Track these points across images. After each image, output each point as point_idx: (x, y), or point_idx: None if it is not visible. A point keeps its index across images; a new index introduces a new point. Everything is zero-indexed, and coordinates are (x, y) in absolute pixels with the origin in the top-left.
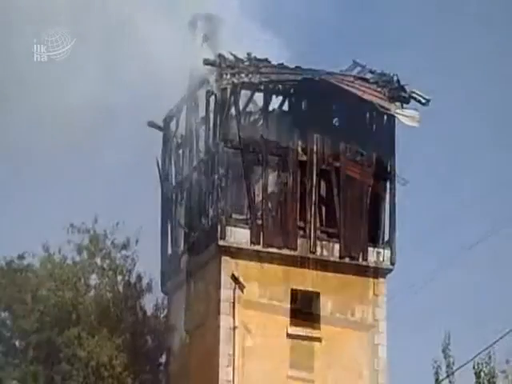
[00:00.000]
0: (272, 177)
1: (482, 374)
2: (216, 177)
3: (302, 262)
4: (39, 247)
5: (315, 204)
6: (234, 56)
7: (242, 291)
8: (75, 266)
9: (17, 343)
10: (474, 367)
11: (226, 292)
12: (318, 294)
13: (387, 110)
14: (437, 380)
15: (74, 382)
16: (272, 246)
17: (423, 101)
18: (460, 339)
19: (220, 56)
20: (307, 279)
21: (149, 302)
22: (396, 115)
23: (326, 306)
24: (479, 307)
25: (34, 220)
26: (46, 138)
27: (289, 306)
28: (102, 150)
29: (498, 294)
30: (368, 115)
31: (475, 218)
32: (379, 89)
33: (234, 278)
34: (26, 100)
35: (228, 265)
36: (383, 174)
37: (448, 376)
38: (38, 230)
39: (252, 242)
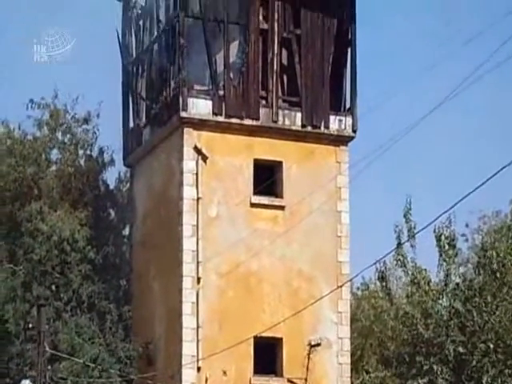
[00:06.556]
0: (233, 46)
1: (443, 237)
2: (177, 47)
3: (264, 132)
4: None
5: (277, 73)
6: None
7: (205, 162)
8: (36, 142)
9: None
10: (434, 231)
11: (188, 163)
12: (280, 163)
13: None
14: (399, 244)
15: (36, 256)
16: (234, 117)
17: None
18: (421, 204)
19: None
20: (270, 149)
21: (111, 176)
22: None
23: (289, 174)
24: (440, 172)
25: None
26: None
27: (252, 175)
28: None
29: (459, 159)
30: None
31: (435, 83)
32: None
33: (197, 150)
34: None
35: (190, 136)
36: (344, 40)
37: (409, 239)
38: None
39: (214, 113)
